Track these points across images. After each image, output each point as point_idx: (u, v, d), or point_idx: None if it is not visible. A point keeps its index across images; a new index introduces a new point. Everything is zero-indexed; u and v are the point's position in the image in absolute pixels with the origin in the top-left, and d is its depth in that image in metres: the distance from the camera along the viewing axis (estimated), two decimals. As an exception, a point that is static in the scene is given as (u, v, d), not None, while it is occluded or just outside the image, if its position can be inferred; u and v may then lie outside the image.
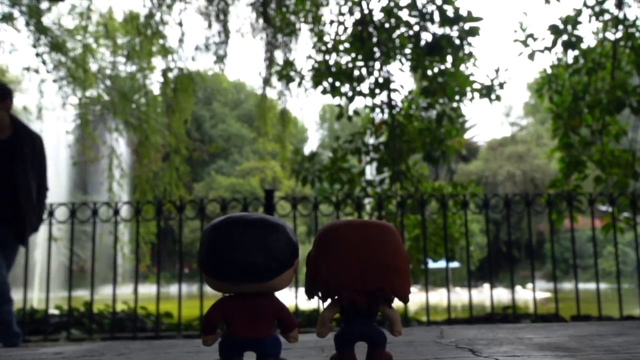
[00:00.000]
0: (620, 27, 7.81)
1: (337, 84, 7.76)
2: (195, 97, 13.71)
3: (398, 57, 7.74)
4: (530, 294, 6.35)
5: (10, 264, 4.09)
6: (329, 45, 8.14)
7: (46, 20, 10.44)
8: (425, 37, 7.53)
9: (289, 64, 8.62)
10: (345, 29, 8.21)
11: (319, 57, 8.10)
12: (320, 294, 0.91)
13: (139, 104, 11.01)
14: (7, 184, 3.93)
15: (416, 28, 7.58)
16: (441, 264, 9.39)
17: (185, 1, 10.29)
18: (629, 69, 7.91)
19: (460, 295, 14.06)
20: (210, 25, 10.37)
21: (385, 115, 7.73)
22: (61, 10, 11.42)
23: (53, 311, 6.49)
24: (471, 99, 7.46)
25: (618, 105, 7.38)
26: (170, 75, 10.50)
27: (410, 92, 7.94)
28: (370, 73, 7.77)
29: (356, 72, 7.78)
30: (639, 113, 7.35)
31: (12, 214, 3.95)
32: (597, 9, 7.76)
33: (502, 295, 13.80)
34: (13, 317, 3.97)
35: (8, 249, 4.00)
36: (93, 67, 11.53)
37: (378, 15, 7.95)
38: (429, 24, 7.47)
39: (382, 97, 7.74)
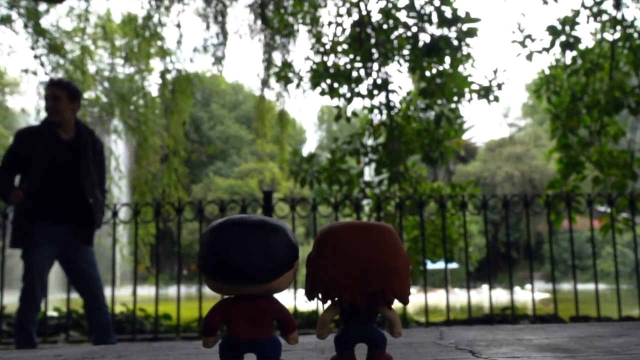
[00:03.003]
0: (619, 27, 7.82)
1: (336, 85, 7.77)
2: (194, 98, 13.71)
3: (396, 58, 7.75)
4: (529, 294, 6.35)
5: (94, 265, 4.09)
6: (327, 47, 8.14)
7: (44, 22, 10.45)
8: (424, 38, 7.54)
9: (287, 66, 8.63)
10: (344, 30, 8.22)
11: (317, 59, 8.11)
12: (320, 296, 0.91)
13: (137, 106, 11.01)
14: (72, 183, 3.96)
15: (414, 29, 7.58)
16: (440, 265, 9.40)
17: (183, 3, 10.30)
18: (627, 70, 7.92)
19: (459, 297, 14.04)
20: (208, 27, 10.37)
21: (384, 117, 7.73)
22: (59, 12, 11.44)
23: (52, 313, 6.48)
24: (469, 100, 7.47)
25: (616, 105, 7.39)
26: (169, 76, 10.50)
27: (408, 93, 7.95)
28: (368, 74, 7.77)
29: (354, 73, 7.79)
30: (637, 113, 7.37)
31: (78, 213, 3.97)
32: (595, 9, 7.77)
33: (500, 296, 13.80)
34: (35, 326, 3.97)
35: (72, 252, 3.99)
36: (91, 68, 11.53)
37: (376, 17, 7.96)
38: (427, 25, 7.48)
39: (381, 98, 7.75)
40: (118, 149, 10.89)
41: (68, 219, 3.94)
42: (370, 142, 7.83)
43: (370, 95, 7.73)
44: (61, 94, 4.02)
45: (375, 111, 7.76)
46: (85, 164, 4.00)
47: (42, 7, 10.32)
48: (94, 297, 4.03)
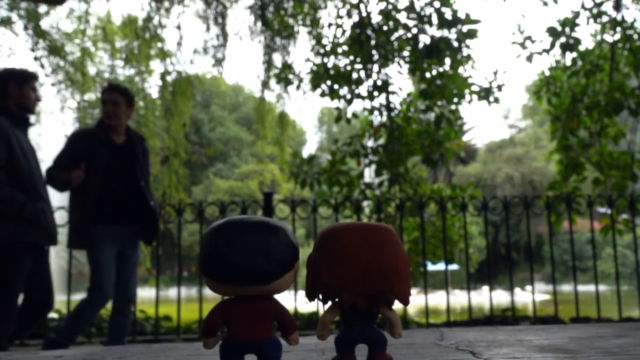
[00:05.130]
0: (619, 29, 7.82)
1: (336, 86, 7.77)
2: (194, 100, 13.72)
3: (396, 59, 7.76)
4: (529, 296, 6.36)
5: (136, 268, 4.17)
6: (328, 48, 8.15)
7: (44, 24, 10.46)
8: (424, 39, 7.55)
9: (287, 67, 8.64)
10: (344, 31, 8.23)
11: (318, 60, 8.11)
12: (320, 297, 0.91)
13: (137, 108, 11.02)
14: (129, 185, 4.03)
15: (414, 31, 7.59)
16: (440, 266, 9.40)
17: (184, 4, 10.30)
18: (627, 71, 7.92)
19: (459, 298, 14.05)
20: (208, 29, 10.37)
21: (384, 118, 7.74)
22: (59, 14, 11.45)
23: (52, 315, 6.47)
24: (469, 101, 7.47)
25: (616, 107, 7.39)
26: (169, 78, 10.51)
27: (408, 95, 7.95)
28: (368, 76, 7.78)
29: (354, 75, 7.79)
30: (637, 115, 7.36)
31: (137, 214, 4.04)
32: (595, 11, 7.77)
33: (501, 297, 13.80)
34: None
35: (126, 252, 4.04)
36: (91, 70, 11.54)
37: (376, 18, 7.96)
38: (427, 27, 7.48)
39: (381, 99, 7.75)
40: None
41: (127, 220, 4.02)
42: (370, 143, 7.83)
43: (371, 97, 7.73)
44: (120, 99, 4.09)
45: (376, 112, 7.76)
46: (139, 167, 4.08)
47: (42, 9, 10.33)
48: (126, 301, 4.10)
